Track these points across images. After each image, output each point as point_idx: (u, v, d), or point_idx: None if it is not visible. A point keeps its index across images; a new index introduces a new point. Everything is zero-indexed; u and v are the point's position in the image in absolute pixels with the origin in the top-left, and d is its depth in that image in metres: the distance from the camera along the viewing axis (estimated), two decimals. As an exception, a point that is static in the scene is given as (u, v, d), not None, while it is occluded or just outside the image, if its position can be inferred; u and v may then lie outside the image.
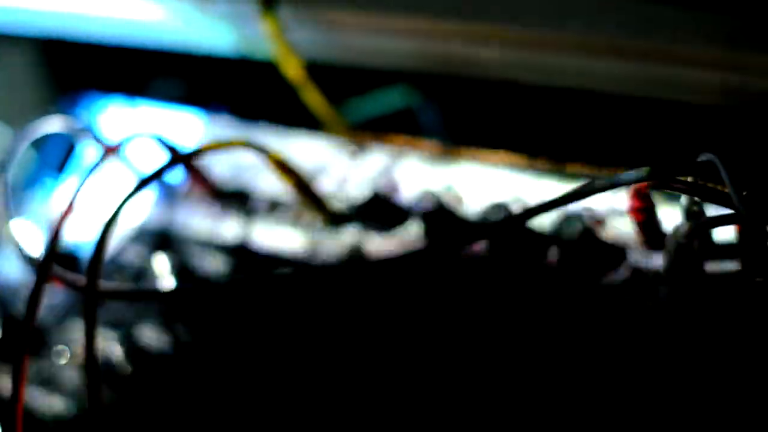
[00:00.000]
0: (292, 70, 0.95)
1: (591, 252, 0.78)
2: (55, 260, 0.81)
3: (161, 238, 0.96)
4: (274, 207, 0.93)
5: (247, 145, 0.84)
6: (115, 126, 1.04)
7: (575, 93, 0.92)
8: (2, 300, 0.97)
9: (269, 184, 0.94)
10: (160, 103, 1.07)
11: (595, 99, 0.92)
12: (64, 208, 0.82)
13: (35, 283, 0.80)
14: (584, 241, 0.77)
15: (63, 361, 0.94)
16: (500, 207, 0.81)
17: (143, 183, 0.80)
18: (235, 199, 0.95)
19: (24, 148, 0.89)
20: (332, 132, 0.96)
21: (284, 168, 0.85)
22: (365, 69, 0.99)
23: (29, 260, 0.83)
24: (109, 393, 0.87)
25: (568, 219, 0.78)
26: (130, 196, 0.79)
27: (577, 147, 0.89)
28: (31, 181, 1.07)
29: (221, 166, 0.97)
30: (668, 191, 0.72)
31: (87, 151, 1.05)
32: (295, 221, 0.91)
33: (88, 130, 0.93)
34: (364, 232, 0.88)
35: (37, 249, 0.84)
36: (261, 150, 0.84)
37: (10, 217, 0.85)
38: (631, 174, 0.69)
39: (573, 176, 0.84)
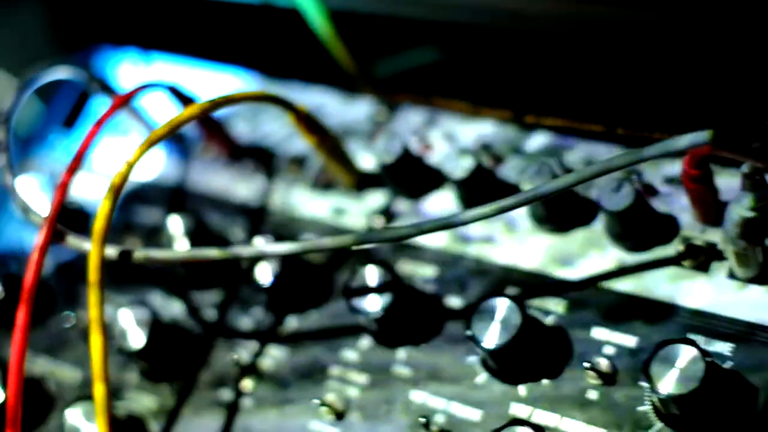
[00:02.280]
0: (318, 18, 0.87)
1: (641, 222, 0.72)
2: (62, 219, 0.76)
3: (175, 197, 0.90)
4: (296, 166, 0.87)
5: (269, 98, 0.77)
6: (128, 79, 0.98)
7: (619, 52, 0.85)
8: (4, 260, 0.91)
9: (292, 141, 0.88)
10: (177, 57, 1.00)
11: (640, 59, 0.85)
12: (73, 162, 0.77)
13: (39, 243, 0.75)
14: (634, 210, 0.71)
15: (67, 326, 0.88)
16: (543, 169, 0.74)
17: (157, 137, 0.74)
18: (255, 158, 0.89)
19: (28, 96, 0.83)
20: (360, 88, 0.89)
21: (309, 124, 0.79)
22: (394, 19, 0.91)
23: (34, 218, 0.77)
24: (115, 360, 0.81)
25: (618, 186, 0.71)
26: (143, 150, 0.73)
27: (623, 109, 0.83)
28: (38, 135, 1.01)
29: (241, 122, 0.91)
30: (729, 157, 0.64)
31: (98, 104, 0.98)
32: (319, 183, 0.85)
33: (100, 81, 0.87)
34: (392, 196, 0.82)
35: (42, 206, 0.79)
36: (284, 104, 0.77)
37: (15, 172, 0.79)
38: (690, 138, 0.62)
39: (621, 140, 0.78)
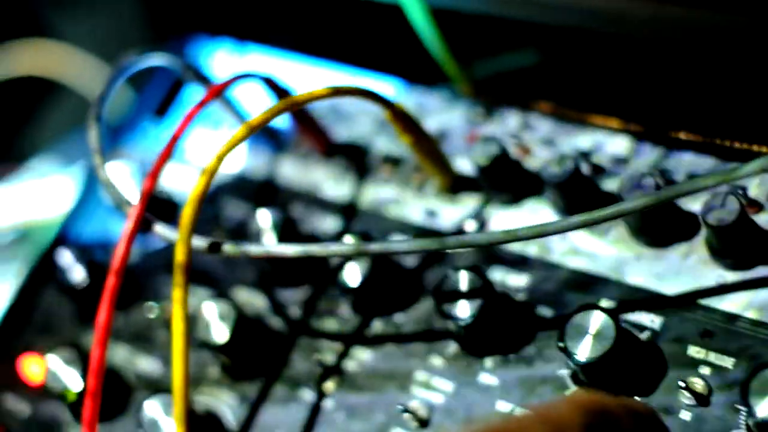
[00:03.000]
0: (420, 16, 0.85)
1: (744, 239, 0.69)
2: (150, 208, 0.75)
3: (263, 191, 0.89)
4: (390, 166, 0.85)
5: (367, 93, 0.76)
6: (222, 69, 0.97)
7: (725, 59, 0.82)
8: (89, 247, 0.91)
9: (387, 140, 0.86)
10: (272, 49, 0.99)
11: (747, 67, 0.82)
12: (165, 151, 0.76)
13: (128, 230, 0.74)
14: (738, 226, 0.68)
15: (150, 316, 0.88)
16: (644, 179, 0.72)
17: (252, 128, 0.73)
18: (348, 155, 0.87)
19: (120, 83, 0.82)
20: (457, 88, 0.87)
21: (406, 123, 0.77)
22: (495, 19, 0.89)
23: (122, 205, 0.76)
24: (196, 355, 0.80)
25: (722, 200, 0.68)
26: (237, 141, 0.72)
27: (727, 120, 0.80)
28: (129, 123, 1.00)
29: (335, 119, 0.89)
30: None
31: (191, 93, 0.97)
32: (413, 183, 0.83)
33: (194, 69, 0.86)
34: (488, 200, 0.80)
35: (131, 194, 0.78)
36: (382, 101, 0.76)
37: (105, 158, 0.79)
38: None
39: (724, 152, 0.75)
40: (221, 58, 0.99)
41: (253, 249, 0.75)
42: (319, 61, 0.94)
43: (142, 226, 0.75)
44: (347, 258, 0.77)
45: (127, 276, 0.78)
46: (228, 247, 0.74)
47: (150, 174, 0.75)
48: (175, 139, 0.76)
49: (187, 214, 0.71)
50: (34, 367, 0.90)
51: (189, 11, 1.13)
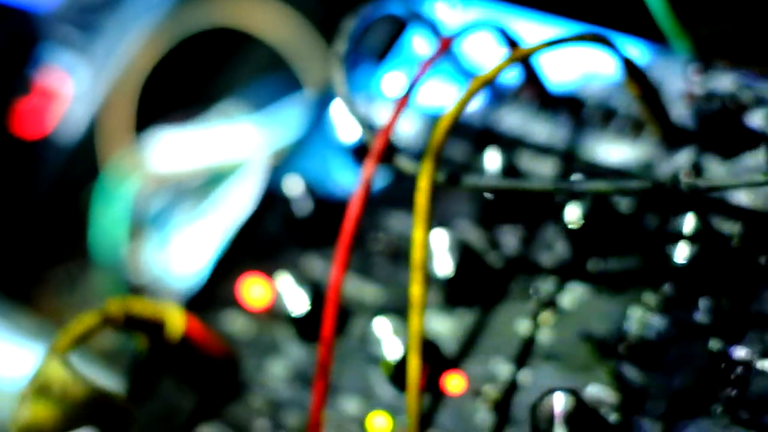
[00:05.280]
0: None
1: None
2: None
3: (483, 136, 0.94)
4: (606, 117, 0.89)
5: (599, 39, 0.80)
6: (444, 19, 1.02)
7: None
8: (314, 180, 0.97)
9: (605, 92, 0.90)
10: (491, 2, 1.02)
11: None
12: (400, 101, 0.81)
13: (373, 157, 0.80)
14: None
15: (378, 248, 0.93)
16: None
17: (483, 81, 0.78)
18: (566, 107, 0.92)
19: (358, 27, 0.88)
20: (676, 44, 0.91)
21: (634, 73, 0.82)
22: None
23: (367, 136, 0.83)
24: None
25: None
26: (470, 94, 0.77)
27: None
28: (349, 65, 1.05)
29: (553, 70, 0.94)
30: None
31: (412, 39, 1.02)
32: (629, 134, 0.88)
33: (419, 14, 0.91)
34: (702, 152, 0.84)
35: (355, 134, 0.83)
36: (613, 47, 0.80)
37: (348, 97, 0.85)
38: None
39: None
40: (442, 8, 1.04)
41: (494, 182, 0.80)
42: (531, 14, 0.99)
43: (384, 158, 0.81)
44: (567, 197, 0.82)
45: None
46: (469, 180, 0.80)
47: (389, 122, 0.81)
48: (409, 89, 0.82)
49: (438, 136, 0.77)
50: (256, 289, 0.96)
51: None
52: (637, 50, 0.91)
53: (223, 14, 1.55)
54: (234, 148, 1.46)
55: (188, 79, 1.55)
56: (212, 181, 1.47)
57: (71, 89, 1.51)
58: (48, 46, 1.54)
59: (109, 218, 1.42)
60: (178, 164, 1.46)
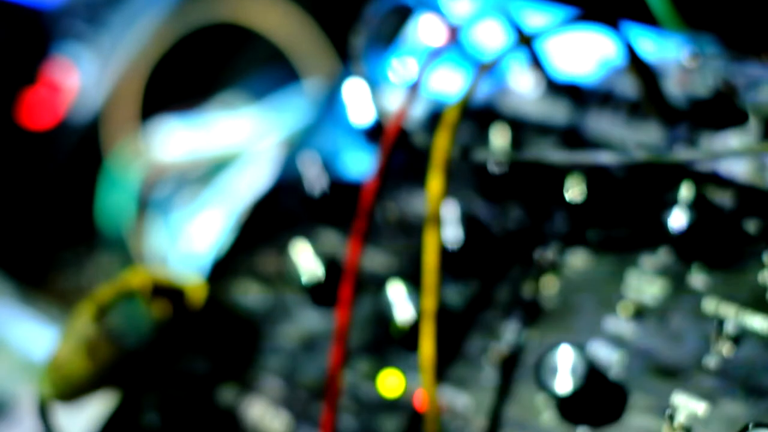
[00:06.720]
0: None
1: None
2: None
3: (486, 119, 0.99)
4: (606, 100, 0.95)
5: (605, 20, 0.86)
6: (450, 4, 1.06)
7: None
8: (328, 162, 1.02)
9: (602, 76, 0.96)
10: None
11: None
12: (413, 86, 0.87)
13: (391, 132, 0.85)
14: None
15: (389, 217, 0.99)
16: None
17: (486, 66, 0.84)
18: (567, 92, 0.97)
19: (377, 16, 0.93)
20: (669, 28, 0.96)
21: (635, 57, 0.87)
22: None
23: (384, 118, 0.88)
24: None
25: None
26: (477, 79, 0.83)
27: None
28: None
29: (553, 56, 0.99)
30: None
31: (421, 25, 1.07)
32: (630, 114, 0.93)
33: (429, 3, 0.97)
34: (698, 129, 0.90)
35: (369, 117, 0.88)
36: (613, 27, 0.86)
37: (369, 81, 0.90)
38: None
39: None
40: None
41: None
42: (535, 3, 1.03)
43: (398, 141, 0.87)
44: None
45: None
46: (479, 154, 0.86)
47: (403, 104, 0.87)
48: (420, 76, 0.88)
49: (450, 116, 0.83)
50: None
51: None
52: (636, 34, 0.96)
53: (225, 10, 1.60)
54: (235, 138, 1.51)
55: (192, 72, 1.60)
56: (215, 169, 1.51)
57: (78, 81, 1.56)
58: (56, 40, 1.59)
59: (115, 203, 1.46)
60: (182, 153, 1.50)
